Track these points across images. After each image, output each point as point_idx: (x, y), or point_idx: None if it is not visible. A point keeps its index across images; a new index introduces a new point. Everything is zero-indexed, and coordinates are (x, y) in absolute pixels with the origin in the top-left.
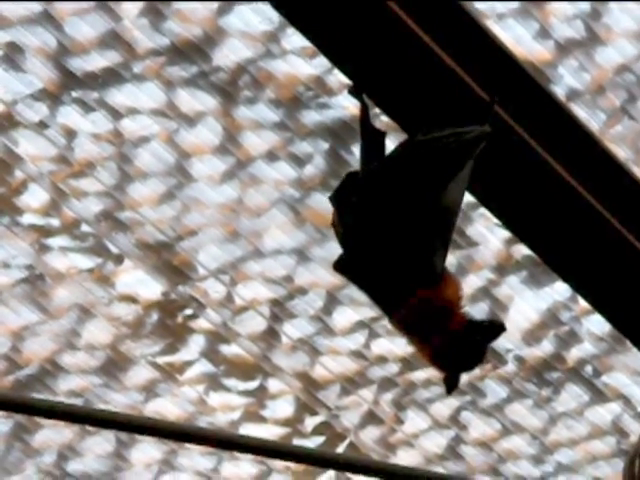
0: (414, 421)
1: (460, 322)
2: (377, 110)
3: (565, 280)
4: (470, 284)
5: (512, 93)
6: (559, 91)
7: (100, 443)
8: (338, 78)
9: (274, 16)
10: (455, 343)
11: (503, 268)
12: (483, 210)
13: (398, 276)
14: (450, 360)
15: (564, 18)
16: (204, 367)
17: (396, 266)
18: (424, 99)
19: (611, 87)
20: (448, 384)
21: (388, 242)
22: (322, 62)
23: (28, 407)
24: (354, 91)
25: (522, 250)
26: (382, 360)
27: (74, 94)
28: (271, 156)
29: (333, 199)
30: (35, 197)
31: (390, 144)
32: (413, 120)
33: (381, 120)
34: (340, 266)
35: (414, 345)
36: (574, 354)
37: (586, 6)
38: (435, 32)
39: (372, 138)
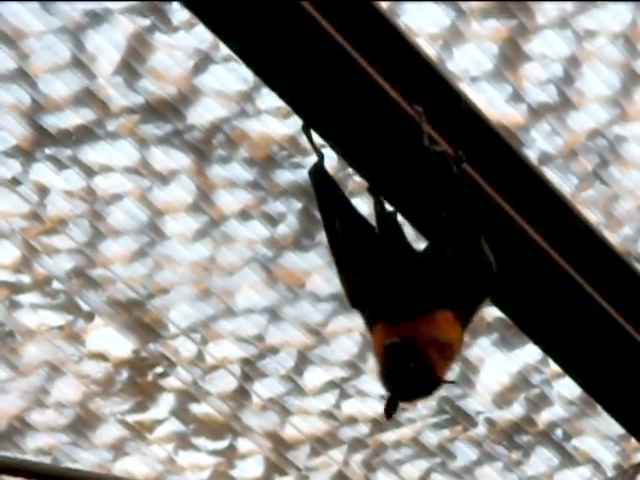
0: None
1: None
2: (350, 170)
3: (536, 343)
4: None
5: (485, 156)
6: (531, 155)
7: None
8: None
9: (249, 76)
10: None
11: (475, 330)
12: None
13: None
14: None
15: (537, 82)
16: (174, 426)
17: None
18: (399, 163)
19: (583, 151)
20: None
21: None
22: (296, 122)
23: None
24: (371, 190)
25: (493, 312)
26: (352, 421)
27: (47, 151)
28: (244, 215)
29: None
30: (6, 253)
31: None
32: (390, 185)
33: (354, 180)
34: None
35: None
36: (544, 417)
37: (559, 71)
38: (407, 93)
39: (388, 225)
